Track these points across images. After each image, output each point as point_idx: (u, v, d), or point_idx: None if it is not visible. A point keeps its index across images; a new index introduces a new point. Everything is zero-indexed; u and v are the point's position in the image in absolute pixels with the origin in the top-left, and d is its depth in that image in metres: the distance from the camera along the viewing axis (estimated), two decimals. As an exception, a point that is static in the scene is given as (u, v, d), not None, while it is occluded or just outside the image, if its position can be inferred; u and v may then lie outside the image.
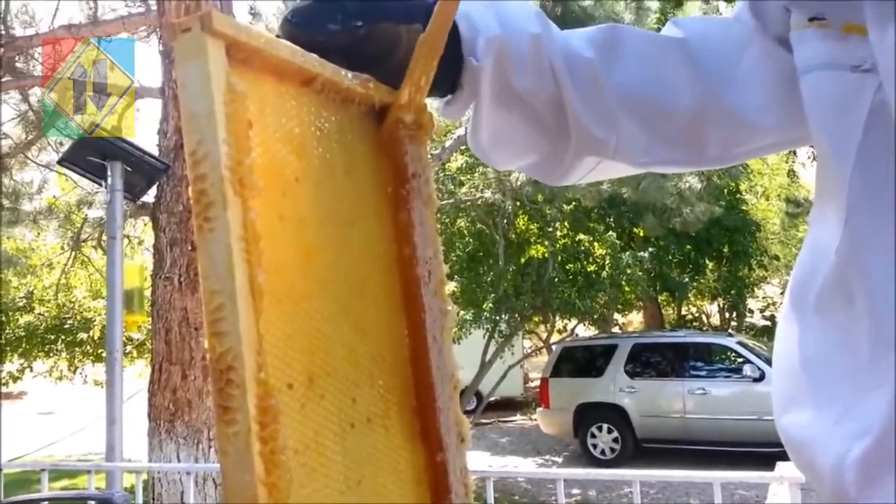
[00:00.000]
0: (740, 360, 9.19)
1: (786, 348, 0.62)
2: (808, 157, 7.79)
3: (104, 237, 5.78)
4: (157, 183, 4.81)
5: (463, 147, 9.02)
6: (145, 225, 8.95)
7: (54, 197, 8.76)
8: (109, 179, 3.75)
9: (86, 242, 8.94)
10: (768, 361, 8.84)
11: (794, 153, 9.07)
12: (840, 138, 0.56)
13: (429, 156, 0.78)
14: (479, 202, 9.85)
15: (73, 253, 9.11)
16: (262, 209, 0.50)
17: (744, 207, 13.76)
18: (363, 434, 0.59)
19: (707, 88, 0.72)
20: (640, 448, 9.27)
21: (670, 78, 0.73)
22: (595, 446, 9.61)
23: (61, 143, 6.83)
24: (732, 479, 2.33)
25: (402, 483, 0.63)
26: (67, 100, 4.41)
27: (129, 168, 3.90)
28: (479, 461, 9.57)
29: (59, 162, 4.24)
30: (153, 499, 4.59)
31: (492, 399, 12.07)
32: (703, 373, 9.47)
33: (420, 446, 0.66)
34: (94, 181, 4.16)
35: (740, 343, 9.59)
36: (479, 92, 0.71)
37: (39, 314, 10.99)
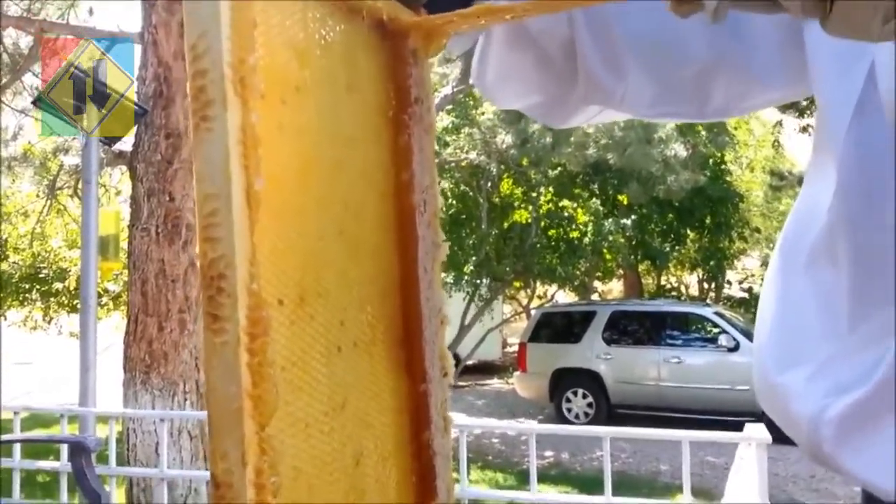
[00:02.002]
0: (716, 330, 9.31)
1: (772, 302, 0.63)
2: (795, 129, 7.80)
3: (80, 185, 5.65)
4: (136, 132, 4.69)
5: (449, 107, 8.92)
6: (122, 174, 8.79)
7: (30, 143, 8.54)
8: (85, 122, 3.64)
9: (61, 190, 8.77)
10: (744, 332, 8.97)
11: (781, 125, 9.11)
12: (838, 94, 0.55)
13: (431, 82, 0.76)
14: (463, 164, 9.79)
15: (49, 201, 8.94)
16: (262, 114, 0.48)
17: (728, 178, 13.82)
18: (349, 358, 0.58)
19: (716, 41, 0.72)
20: (613, 413, 9.40)
21: (682, 29, 0.71)
22: (570, 410, 9.74)
23: (36, 88, 6.64)
24: (701, 438, 2.36)
25: (385, 410, 0.64)
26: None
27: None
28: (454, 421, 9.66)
29: (34, 103, 4.12)
30: (128, 450, 4.56)
31: (470, 362, 12.15)
32: (679, 342, 9.60)
33: (404, 376, 0.67)
34: (70, 125, 4.05)
35: (717, 313, 9.71)
36: (491, 28, 0.70)
37: (14, 263, 10.82)
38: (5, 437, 2.82)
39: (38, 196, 9.71)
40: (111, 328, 10.83)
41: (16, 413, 2.86)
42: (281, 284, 0.50)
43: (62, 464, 2.77)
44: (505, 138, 8.36)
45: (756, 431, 2.25)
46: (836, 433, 0.53)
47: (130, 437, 4.60)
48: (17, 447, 2.86)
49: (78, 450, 2.26)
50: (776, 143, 10.64)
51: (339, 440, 0.55)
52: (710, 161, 12.49)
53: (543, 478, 6.25)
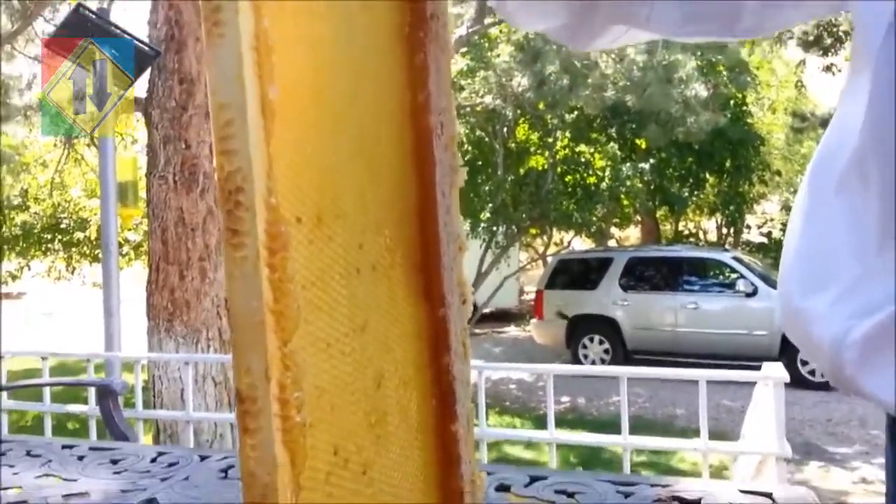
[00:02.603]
0: (734, 275, 9.24)
1: (799, 227, 0.62)
2: (818, 69, 7.57)
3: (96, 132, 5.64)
4: (149, 78, 4.65)
5: (463, 49, 8.76)
6: (138, 121, 8.76)
7: (44, 91, 8.50)
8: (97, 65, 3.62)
9: (78, 139, 8.77)
10: (763, 277, 8.91)
11: (804, 64, 8.85)
12: (873, 10, 0.53)
13: (449, -1, 0.73)
14: (478, 108, 9.64)
15: (66, 150, 8.95)
16: (273, 20, 0.46)
17: (749, 120, 13.52)
18: (368, 281, 0.58)
19: None
20: (630, 359, 9.45)
21: None
22: (586, 356, 9.79)
23: (48, 35, 6.57)
24: (718, 377, 2.35)
25: (404, 335, 0.63)
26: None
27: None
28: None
29: (45, 45, 4.08)
30: (154, 396, 4.65)
31: (486, 310, 12.21)
32: (697, 287, 9.55)
33: (422, 302, 0.66)
34: (81, 67, 4.02)
35: (735, 258, 9.63)
36: None
37: (35, 213, 10.92)
38: (34, 380, 2.88)
39: (55, 146, 9.72)
40: (130, 279, 10.94)
41: (44, 358, 2.91)
42: (298, 202, 0.49)
43: (90, 407, 2.83)
44: (521, 81, 8.21)
45: (773, 371, 2.24)
46: (858, 356, 0.53)
47: (156, 384, 4.69)
48: (47, 391, 2.93)
49: (105, 392, 2.30)
50: (799, 84, 10.36)
51: (359, 361, 0.55)
52: (731, 102, 12.22)
53: (560, 422, 6.29)
